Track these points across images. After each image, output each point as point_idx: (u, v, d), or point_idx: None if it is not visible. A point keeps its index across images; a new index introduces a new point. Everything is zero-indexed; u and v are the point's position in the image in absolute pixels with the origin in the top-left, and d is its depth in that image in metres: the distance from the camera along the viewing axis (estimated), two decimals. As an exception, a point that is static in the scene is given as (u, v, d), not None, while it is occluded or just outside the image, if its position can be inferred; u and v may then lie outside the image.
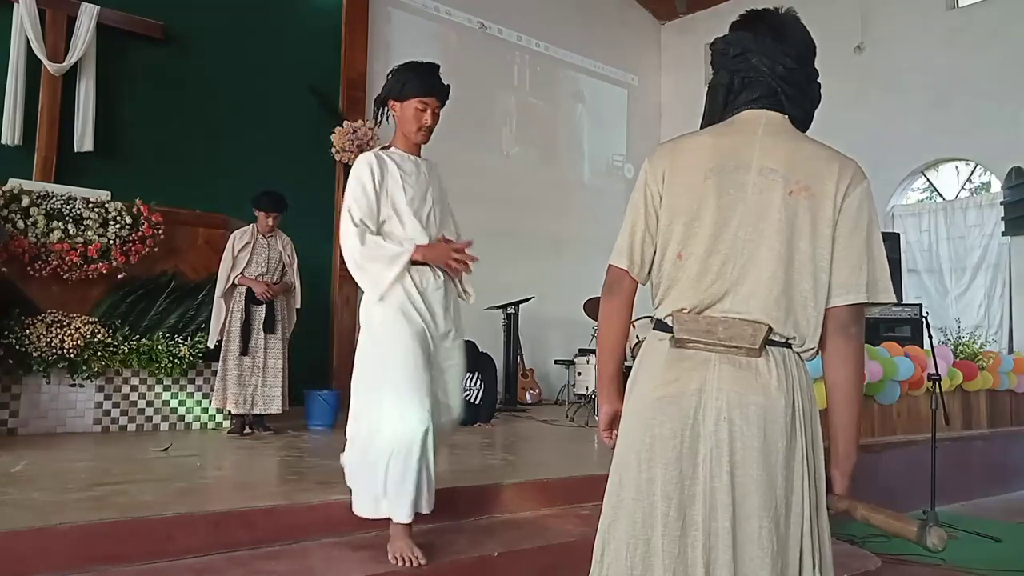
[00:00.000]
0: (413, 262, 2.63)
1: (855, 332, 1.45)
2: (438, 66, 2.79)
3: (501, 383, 7.56)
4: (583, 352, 8.01)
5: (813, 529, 1.42)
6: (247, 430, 5.20)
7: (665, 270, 1.51)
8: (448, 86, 2.81)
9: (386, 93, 2.85)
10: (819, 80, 1.56)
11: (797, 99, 1.52)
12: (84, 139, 6.20)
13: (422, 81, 2.75)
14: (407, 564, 2.58)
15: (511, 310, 8.08)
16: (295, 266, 5.43)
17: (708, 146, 1.50)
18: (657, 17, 10.92)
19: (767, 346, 1.43)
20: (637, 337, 7.53)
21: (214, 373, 5.29)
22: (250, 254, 5.23)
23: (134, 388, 5.27)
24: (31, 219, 4.92)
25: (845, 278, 1.43)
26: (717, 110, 1.57)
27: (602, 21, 10.24)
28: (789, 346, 1.45)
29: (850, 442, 1.47)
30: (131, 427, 5.24)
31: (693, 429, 1.42)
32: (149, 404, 5.32)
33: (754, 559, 1.37)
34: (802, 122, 1.55)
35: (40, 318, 4.87)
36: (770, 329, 1.42)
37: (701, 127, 1.60)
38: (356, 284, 7.57)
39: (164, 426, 5.35)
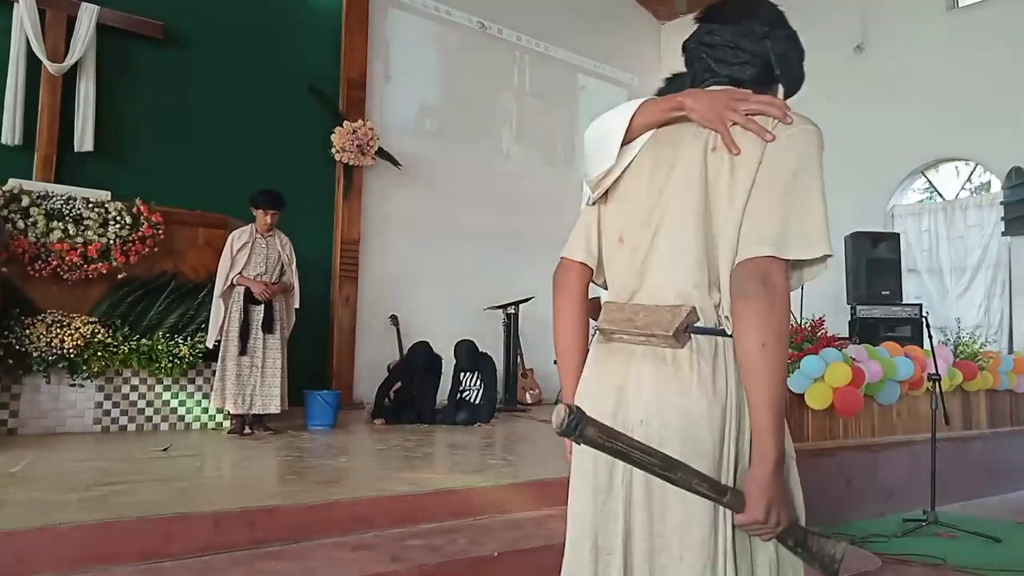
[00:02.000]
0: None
1: (752, 291, 1.18)
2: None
3: (501, 383, 7.56)
4: (583, 352, 8.00)
5: (738, 557, 1.22)
6: (247, 430, 5.20)
7: (611, 257, 1.43)
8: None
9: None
10: (781, 36, 1.41)
11: (727, 58, 1.40)
12: (84, 139, 6.19)
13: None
14: None
15: (511, 310, 8.08)
16: (294, 266, 5.43)
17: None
18: (657, 17, 10.92)
19: (695, 335, 1.25)
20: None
21: (214, 373, 5.29)
22: (249, 254, 5.24)
23: (134, 388, 5.27)
24: (31, 219, 4.92)
25: (751, 232, 1.22)
26: None
27: (602, 21, 10.24)
28: (724, 333, 1.26)
29: (760, 428, 1.17)
30: (131, 427, 5.24)
31: None
32: (149, 404, 5.32)
33: None
34: (756, 82, 1.39)
35: (40, 318, 4.87)
36: (692, 312, 1.25)
37: None
38: (356, 283, 7.59)
39: (164, 426, 5.35)
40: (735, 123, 1.28)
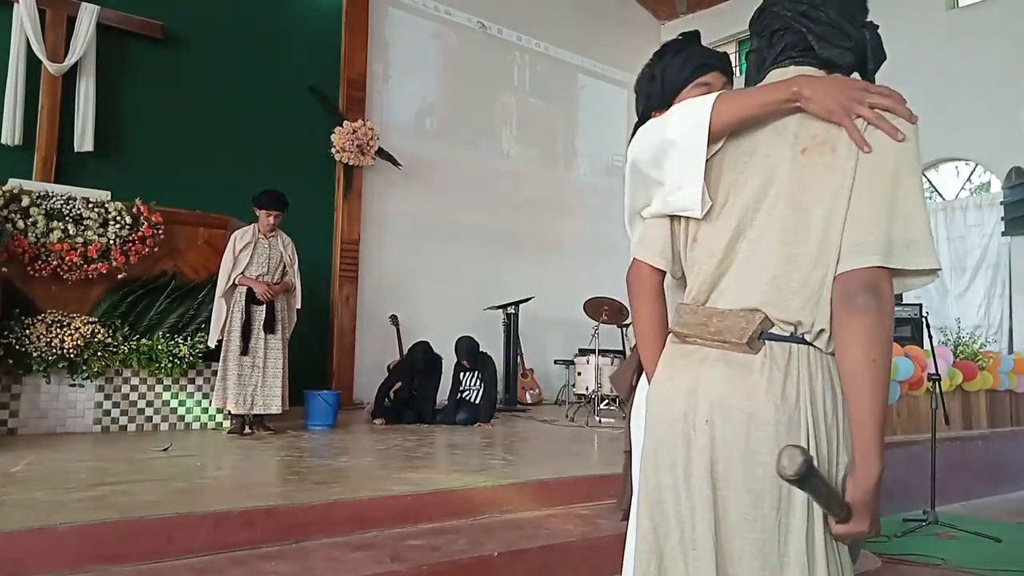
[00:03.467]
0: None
1: (862, 303, 1.14)
2: (698, 32, 1.75)
3: (501, 383, 7.57)
4: (583, 352, 8.01)
5: (827, 560, 1.20)
6: (247, 430, 5.20)
7: (686, 257, 1.38)
8: (725, 55, 1.75)
9: (643, 107, 1.73)
10: (872, 28, 1.32)
11: (831, 38, 1.29)
12: (84, 139, 6.20)
13: (691, 55, 1.66)
14: None
15: (511, 310, 8.09)
16: (296, 266, 5.43)
17: None
18: (657, 17, 10.92)
19: (769, 340, 1.23)
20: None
21: (214, 373, 5.29)
22: (251, 254, 5.24)
23: (134, 388, 5.27)
24: (31, 219, 4.92)
25: (854, 237, 1.17)
26: (751, 82, 1.38)
27: (602, 21, 10.24)
28: (802, 340, 1.23)
29: (865, 444, 1.15)
30: (131, 427, 5.24)
31: (684, 434, 1.28)
32: (149, 404, 5.32)
33: None
34: (848, 70, 1.31)
35: (40, 318, 4.87)
36: (766, 319, 1.22)
37: None
38: (356, 283, 7.63)
39: (164, 426, 5.35)
40: (860, 116, 1.19)
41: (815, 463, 1.01)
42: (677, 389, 1.31)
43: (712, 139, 1.28)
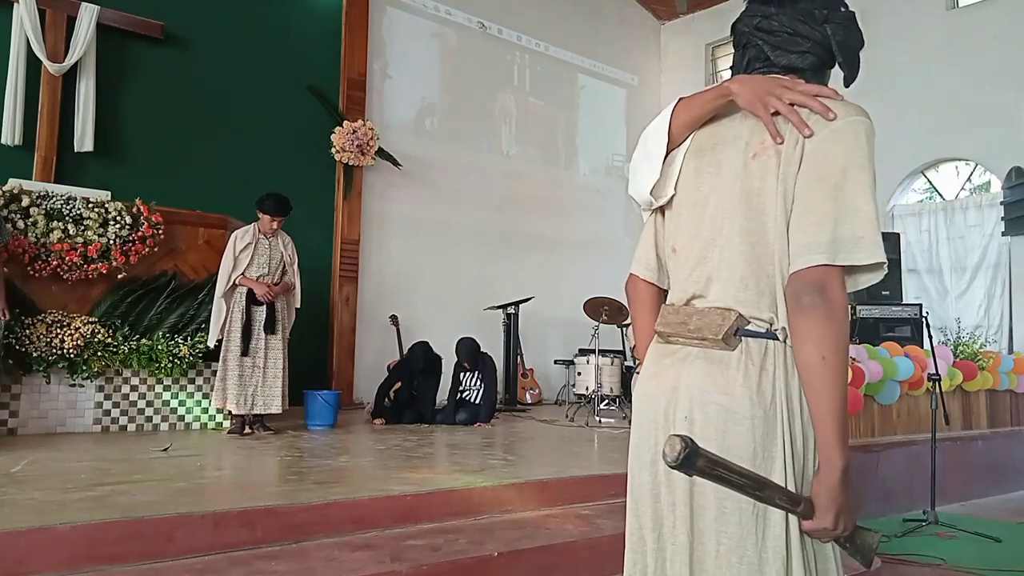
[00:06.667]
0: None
1: (808, 303, 1.16)
2: None
3: (501, 383, 7.57)
4: (583, 352, 8.00)
5: (804, 555, 1.21)
6: (247, 430, 5.20)
7: (669, 267, 1.45)
8: None
9: None
10: (841, 19, 1.34)
11: (786, 46, 1.34)
12: (84, 139, 6.20)
13: None
14: None
15: (511, 310, 8.08)
16: (295, 266, 5.43)
17: (699, 132, 1.40)
18: (657, 17, 10.92)
19: (745, 337, 1.26)
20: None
21: (214, 373, 5.29)
22: (251, 255, 5.23)
23: (134, 388, 5.27)
24: (31, 219, 4.92)
25: (801, 237, 1.19)
26: None
27: (602, 21, 10.24)
28: (775, 337, 1.25)
29: (825, 440, 1.17)
30: (131, 427, 5.24)
31: (665, 430, 1.30)
32: (149, 404, 5.32)
33: None
34: (814, 70, 1.35)
35: (40, 318, 4.87)
36: (740, 316, 1.26)
37: None
38: (356, 283, 7.65)
39: (164, 426, 5.35)
40: (777, 112, 1.26)
41: (698, 451, 1.03)
42: (660, 386, 1.35)
43: (674, 138, 1.40)
